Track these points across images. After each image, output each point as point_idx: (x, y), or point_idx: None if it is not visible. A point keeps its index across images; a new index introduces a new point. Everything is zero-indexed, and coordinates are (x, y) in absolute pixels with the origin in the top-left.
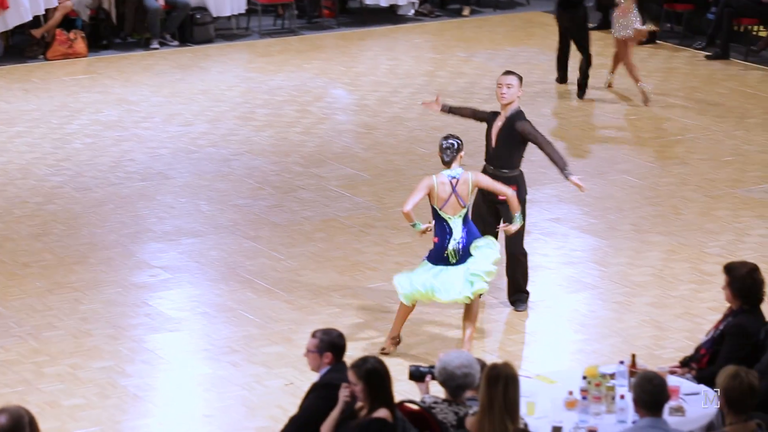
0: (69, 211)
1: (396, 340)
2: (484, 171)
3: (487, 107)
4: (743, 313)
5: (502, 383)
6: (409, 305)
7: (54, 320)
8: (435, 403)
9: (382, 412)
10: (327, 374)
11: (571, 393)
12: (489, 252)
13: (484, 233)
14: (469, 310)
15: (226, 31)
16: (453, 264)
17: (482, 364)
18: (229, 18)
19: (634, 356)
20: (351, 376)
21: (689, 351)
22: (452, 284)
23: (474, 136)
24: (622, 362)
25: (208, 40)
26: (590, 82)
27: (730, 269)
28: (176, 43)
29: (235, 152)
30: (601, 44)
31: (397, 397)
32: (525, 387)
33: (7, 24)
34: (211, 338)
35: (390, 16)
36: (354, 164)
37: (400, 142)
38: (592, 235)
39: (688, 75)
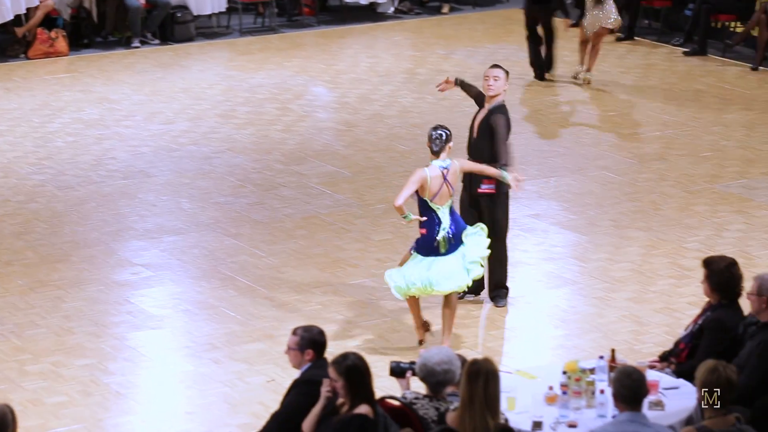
0: (51, 210)
1: (426, 327)
2: None
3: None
4: (722, 308)
5: (482, 379)
6: (403, 299)
7: (36, 318)
8: (416, 398)
9: (363, 408)
10: (308, 371)
11: (551, 388)
12: (480, 239)
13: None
14: (449, 303)
15: (206, 29)
16: (443, 254)
17: (463, 360)
18: (209, 16)
19: (613, 351)
20: (332, 372)
21: (668, 346)
22: (450, 274)
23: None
24: (601, 357)
25: (189, 39)
26: (568, 79)
27: (708, 263)
28: (157, 41)
29: (217, 150)
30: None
31: (378, 393)
32: (505, 382)
33: None
34: (192, 335)
35: (370, 13)
36: (335, 161)
37: (380, 140)
38: (572, 231)
39: (666, 71)
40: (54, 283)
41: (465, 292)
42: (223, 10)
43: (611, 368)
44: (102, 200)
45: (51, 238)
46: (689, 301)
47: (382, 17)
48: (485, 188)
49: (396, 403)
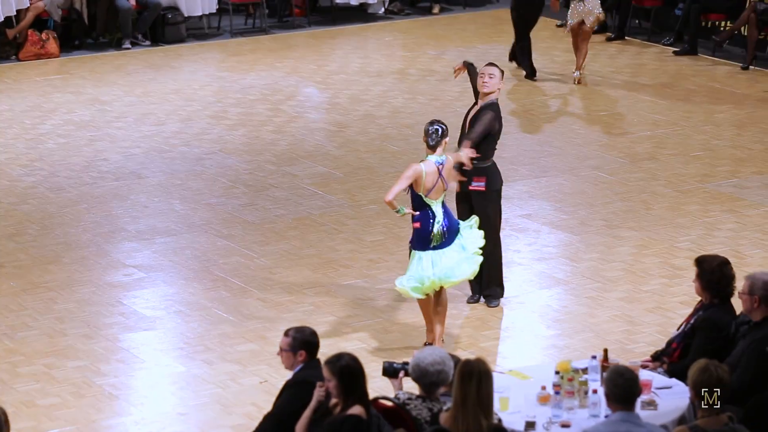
0: (43, 211)
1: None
2: None
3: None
4: (714, 307)
5: (475, 379)
6: (423, 297)
7: (29, 320)
8: (409, 399)
9: (357, 409)
10: (301, 372)
11: (544, 388)
12: (475, 231)
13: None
14: (440, 300)
15: (197, 30)
16: (438, 247)
17: (455, 361)
18: (200, 17)
19: (606, 351)
20: (325, 372)
21: (661, 345)
22: (456, 265)
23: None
24: (594, 357)
25: (180, 40)
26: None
27: (700, 262)
28: (148, 42)
29: (208, 151)
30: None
31: (372, 394)
32: (498, 382)
33: None
34: (185, 337)
35: (360, 14)
36: (326, 162)
37: (371, 140)
38: (564, 231)
39: (657, 71)
40: (46, 284)
41: (478, 296)
42: (214, 11)
43: (604, 368)
44: (94, 202)
45: (43, 239)
46: (681, 300)
47: (372, 18)
48: (476, 185)
49: (389, 403)
